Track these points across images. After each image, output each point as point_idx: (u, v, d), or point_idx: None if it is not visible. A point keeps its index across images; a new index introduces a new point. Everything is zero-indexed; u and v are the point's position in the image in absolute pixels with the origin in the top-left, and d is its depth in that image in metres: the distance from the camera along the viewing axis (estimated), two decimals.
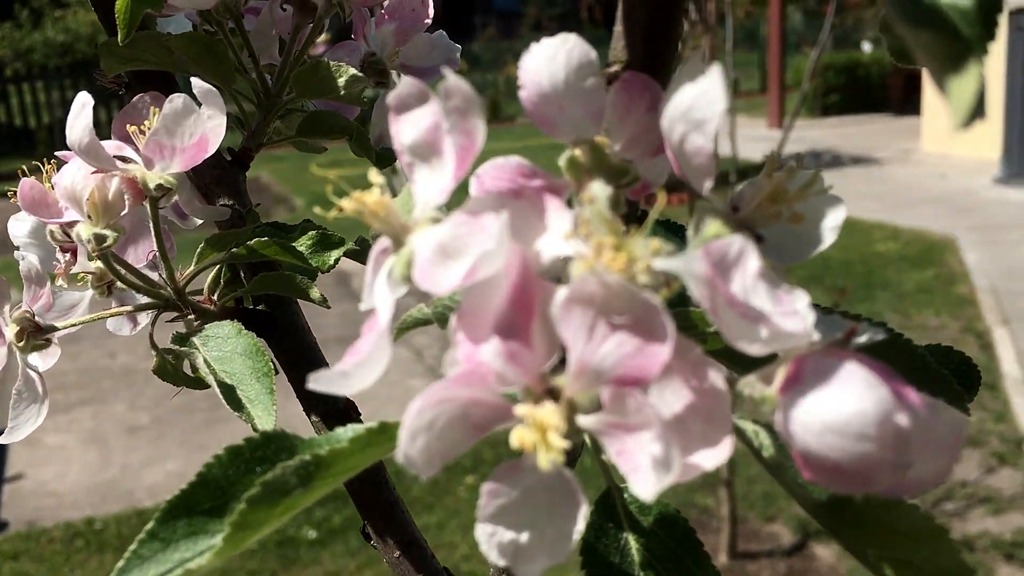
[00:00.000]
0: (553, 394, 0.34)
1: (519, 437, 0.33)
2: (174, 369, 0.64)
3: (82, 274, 0.66)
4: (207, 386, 0.66)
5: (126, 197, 0.56)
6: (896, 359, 0.46)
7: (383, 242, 0.40)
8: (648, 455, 0.31)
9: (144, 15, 0.66)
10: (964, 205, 7.35)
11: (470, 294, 0.35)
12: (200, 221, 0.68)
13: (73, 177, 0.55)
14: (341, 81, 0.61)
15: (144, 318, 0.70)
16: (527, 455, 0.35)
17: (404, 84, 0.39)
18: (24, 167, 0.60)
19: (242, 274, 0.65)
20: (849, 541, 0.38)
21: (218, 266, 0.64)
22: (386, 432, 0.41)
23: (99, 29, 0.67)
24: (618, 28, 0.43)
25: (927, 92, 9.73)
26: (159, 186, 0.56)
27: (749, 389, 0.35)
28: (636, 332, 0.32)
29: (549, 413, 0.33)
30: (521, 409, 0.33)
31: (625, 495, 0.46)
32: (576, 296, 0.32)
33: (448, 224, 0.36)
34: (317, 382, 0.36)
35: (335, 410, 0.65)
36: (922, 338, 4.66)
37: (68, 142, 0.53)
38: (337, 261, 0.61)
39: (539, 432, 0.33)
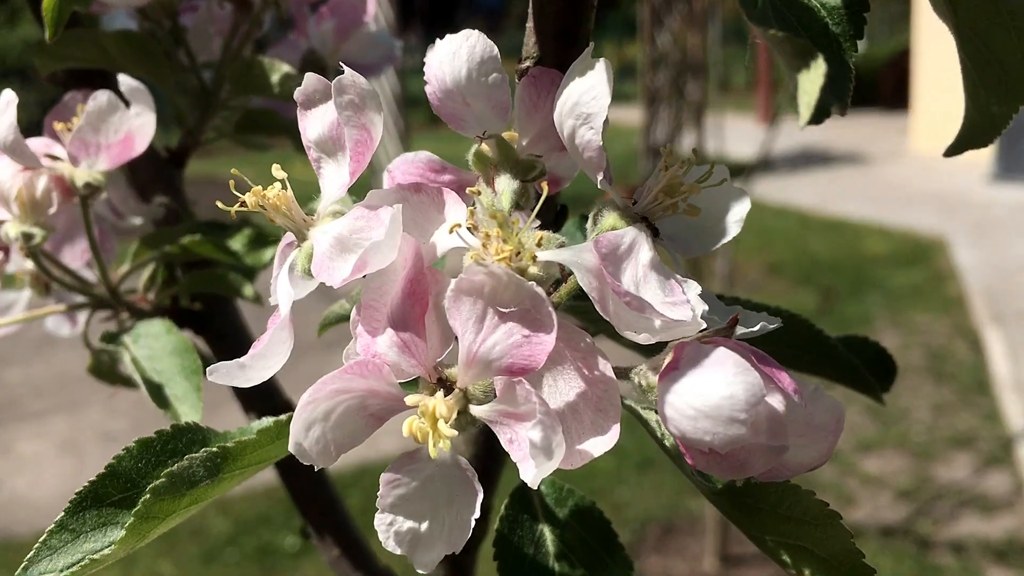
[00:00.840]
0: (447, 385, 0.35)
1: (409, 426, 0.33)
2: (109, 368, 0.64)
3: (19, 273, 0.66)
4: (136, 385, 0.66)
5: (54, 195, 0.56)
6: (806, 349, 0.46)
7: (288, 236, 0.40)
8: (529, 442, 0.32)
9: (85, 14, 0.66)
10: (955, 204, 7.38)
11: (368, 287, 0.35)
12: (140, 220, 0.68)
13: (0, 176, 0.55)
14: (275, 79, 0.61)
15: (81, 319, 0.70)
16: (422, 447, 0.35)
17: (308, 80, 0.39)
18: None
19: (178, 273, 0.66)
20: (747, 528, 0.39)
21: (154, 265, 0.64)
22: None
23: None
24: (529, 25, 0.44)
25: (917, 89, 9.80)
26: (87, 184, 0.56)
27: (639, 378, 0.35)
28: (523, 322, 0.33)
29: (439, 402, 0.33)
30: (412, 399, 0.34)
31: (543, 487, 0.46)
32: (464, 287, 0.33)
33: (347, 218, 0.37)
34: (214, 374, 0.37)
35: (272, 408, 0.65)
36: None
37: None
38: (271, 259, 0.61)
39: (430, 422, 0.33)
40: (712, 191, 0.40)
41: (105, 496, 0.40)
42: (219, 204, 0.40)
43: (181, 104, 0.67)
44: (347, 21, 0.70)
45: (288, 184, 0.38)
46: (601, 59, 0.35)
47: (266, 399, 0.66)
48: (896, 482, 3.39)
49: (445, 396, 0.34)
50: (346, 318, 0.50)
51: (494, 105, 0.40)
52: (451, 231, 0.34)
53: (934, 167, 8.83)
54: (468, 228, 0.34)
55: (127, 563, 3.17)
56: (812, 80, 0.27)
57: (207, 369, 0.36)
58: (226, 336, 0.66)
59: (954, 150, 0.42)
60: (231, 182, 0.39)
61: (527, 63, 0.44)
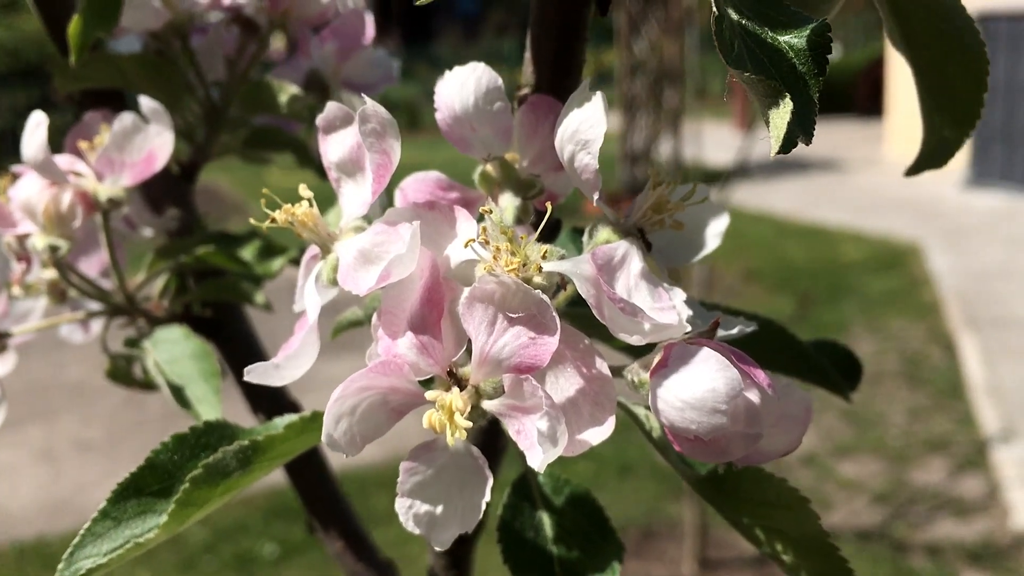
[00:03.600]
0: (461, 382, 0.39)
1: (429, 419, 0.38)
2: (125, 372, 0.67)
3: (36, 283, 0.70)
4: (157, 388, 0.70)
5: (78, 209, 0.60)
6: (780, 351, 0.51)
7: (312, 250, 0.44)
8: (537, 431, 0.36)
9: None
10: (929, 211, 7.47)
11: (388, 295, 0.39)
12: (151, 232, 0.72)
13: (28, 190, 0.59)
14: (283, 99, 0.65)
15: (96, 325, 0.74)
16: (437, 438, 0.39)
17: (330, 108, 0.44)
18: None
19: (190, 281, 0.69)
20: (726, 511, 0.43)
21: (167, 274, 0.68)
22: (317, 420, 0.45)
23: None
24: (527, 55, 0.48)
25: (892, 96, 9.94)
26: (110, 199, 0.60)
27: (631, 375, 0.40)
28: (529, 325, 0.37)
29: (455, 397, 0.37)
30: (431, 394, 0.38)
31: (539, 477, 0.51)
32: (477, 294, 0.37)
33: (368, 233, 0.41)
34: (252, 374, 0.41)
35: (279, 408, 0.69)
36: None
37: (23, 158, 0.57)
38: (281, 268, 0.65)
39: (447, 414, 0.37)
40: (694, 207, 0.45)
41: (145, 486, 0.44)
42: (252, 220, 0.44)
43: (192, 121, 0.71)
44: (348, 43, 0.74)
45: (314, 202, 0.42)
46: (598, 92, 0.39)
47: (273, 400, 0.69)
48: (872, 486, 3.45)
49: (459, 392, 0.38)
50: (357, 323, 0.54)
51: (498, 130, 0.45)
52: (465, 245, 0.38)
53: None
54: (480, 242, 0.39)
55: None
56: (781, 116, 0.31)
57: (245, 369, 0.40)
58: (235, 341, 0.69)
59: (913, 171, 0.47)
60: (262, 200, 0.43)
61: (525, 90, 0.49)
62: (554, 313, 0.36)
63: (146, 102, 0.59)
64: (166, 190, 0.69)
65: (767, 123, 0.32)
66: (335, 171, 0.44)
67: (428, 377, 0.39)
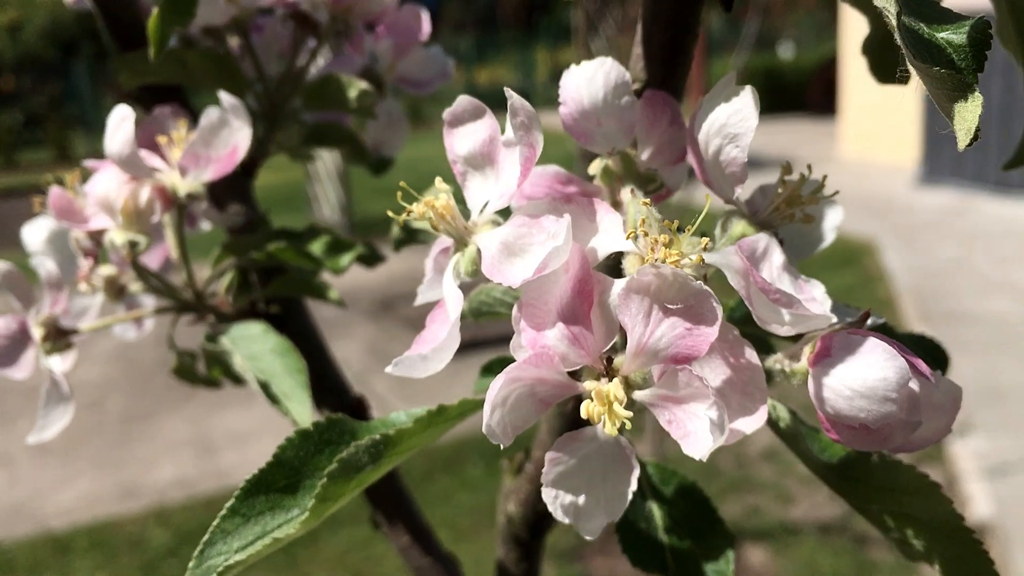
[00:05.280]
0: (610, 373, 0.40)
1: (587, 409, 0.38)
2: (191, 369, 0.67)
3: (94, 279, 0.69)
4: (219, 385, 0.69)
5: (157, 204, 0.59)
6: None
7: (444, 241, 0.44)
8: (705, 420, 0.36)
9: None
10: (883, 208, 7.61)
11: (531, 287, 0.40)
12: (208, 227, 0.71)
13: (107, 186, 0.58)
14: (352, 94, 0.65)
15: (148, 323, 0.73)
16: (587, 428, 0.40)
17: (460, 102, 0.44)
18: (52, 176, 0.63)
19: (254, 277, 0.69)
20: (855, 499, 0.44)
21: (233, 270, 0.67)
22: (443, 414, 0.45)
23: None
24: (636, 51, 0.49)
25: (845, 96, 10.09)
26: (189, 194, 0.59)
27: (779, 365, 0.40)
28: (687, 316, 0.37)
29: (615, 387, 0.38)
30: (589, 385, 0.38)
31: (648, 469, 0.51)
32: (634, 286, 0.37)
33: (510, 225, 0.41)
34: (399, 366, 0.41)
35: (343, 404, 0.69)
36: None
37: (108, 153, 0.56)
38: (350, 263, 0.65)
39: (605, 404, 0.38)
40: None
41: (273, 483, 0.44)
42: (389, 213, 0.44)
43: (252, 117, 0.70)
44: (404, 39, 0.74)
45: (451, 195, 0.42)
46: (748, 86, 0.40)
47: (340, 397, 0.69)
48: None
49: (617, 382, 0.39)
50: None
51: (622, 125, 0.45)
52: (628, 236, 0.39)
53: (862, 172, 9.11)
54: (634, 235, 0.39)
55: None
56: (969, 110, 0.32)
57: (394, 361, 0.40)
58: (301, 336, 0.69)
59: (1013, 163, 0.48)
60: (398, 193, 0.43)
61: (636, 85, 0.49)
62: (715, 303, 0.37)
63: (226, 98, 0.59)
64: (228, 186, 0.68)
65: (950, 117, 0.33)
66: (462, 164, 0.44)
67: (576, 368, 0.40)
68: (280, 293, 0.66)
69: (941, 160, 8.38)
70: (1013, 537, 3.00)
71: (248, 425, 4.20)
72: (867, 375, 0.36)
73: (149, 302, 0.72)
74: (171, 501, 3.58)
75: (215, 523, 0.43)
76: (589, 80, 0.44)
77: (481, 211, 0.43)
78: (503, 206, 0.42)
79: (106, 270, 0.66)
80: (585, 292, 0.39)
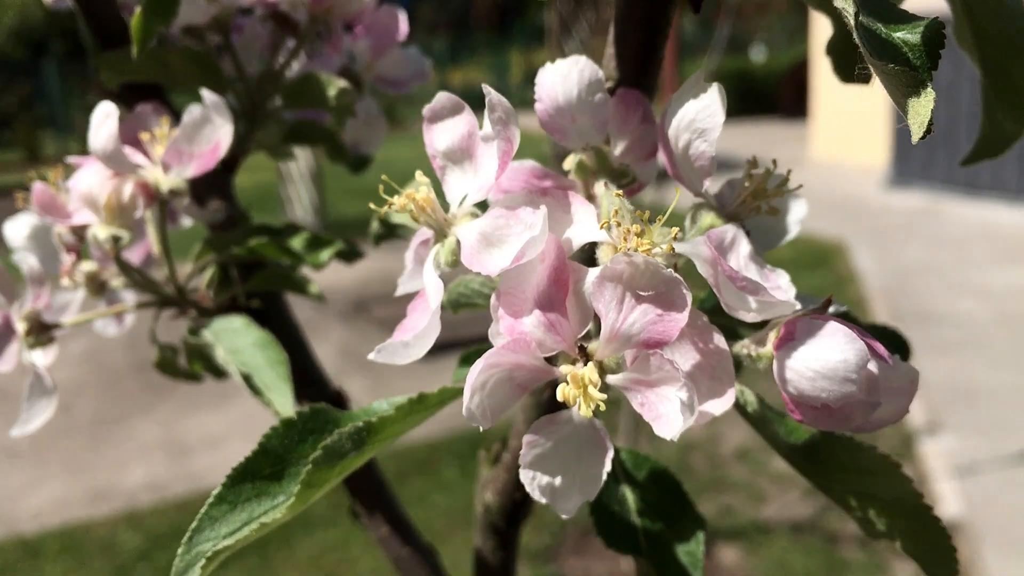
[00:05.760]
0: (584, 358, 0.41)
1: (563, 392, 0.40)
2: (172, 363, 0.68)
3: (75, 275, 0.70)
4: (200, 379, 0.70)
5: (139, 200, 0.60)
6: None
7: (424, 233, 0.46)
8: (676, 401, 0.38)
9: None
10: (853, 210, 7.69)
11: (509, 276, 0.41)
12: (189, 223, 0.72)
13: (90, 181, 0.59)
14: (332, 92, 0.66)
15: (129, 318, 0.74)
16: (563, 411, 0.41)
17: (439, 98, 0.45)
18: (35, 172, 0.63)
19: (234, 273, 0.70)
20: (819, 480, 0.46)
21: (214, 265, 0.68)
22: (423, 402, 0.47)
23: None
24: (609, 50, 0.50)
25: (816, 99, 10.20)
26: (171, 190, 0.60)
27: (746, 350, 0.42)
28: (659, 303, 0.39)
29: (590, 371, 0.40)
30: (565, 368, 0.40)
31: (622, 454, 0.53)
32: (608, 274, 0.39)
33: (488, 217, 0.43)
34: (381, 353, 0.42)
35: (324, 396, 0.70)
36: None
37: (92, 148, 0.57)
38: (330, 259, 0.66)
39: (580, 387, 0.40)
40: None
41: (258, 471, 0.45)
42: (371, 205, 0.46)
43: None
44: (382, 40, 0.75)
45: (431, 188, 0.44)
46: (715, 83, 0.42)
47: (320, 389, 0.71)
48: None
49: (591, 366, 0.40)
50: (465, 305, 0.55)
51: (596, 121, 0.47)
52: (602, 227, 0.41)
53: (833, 174, 9.20)
54: (606, 225, 0.41)
55: None
56: (922, 104, 0.34)
57: (377, 347, 0.42)
58: (280, 330, 0.70)
59: (971, 159, 0.50)
60: (380, 187, 0.45)
61: (609, 84, 0.51)
62: (683, 290, 0.39)
63: (208, 95, 0.60)
64: (209, 183, 0.69)
65: (905, 112, 0.34)
66: (441, 159, 0.46)
67: (552, 354, 0.41)
68: (261, 288, 0.67)
69: (911, 162, 8.49)
70: (983, 536, 3.05)
71: (221, 428, 4.19)
72: (828, 357, 0.37)
73: (129, 297, 0.73)
74: (142, 504, 3.56)
75: (202, 510, 0.45)
76: (564, 77, 0.46)
77: (460, 204, 0.45)
78: (481, 199, 0.44)
79: (87, 266, 0.67)
80: (561, 280, 0.41)
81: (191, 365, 0.69)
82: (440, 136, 0.45)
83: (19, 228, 0.68)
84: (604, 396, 0.39)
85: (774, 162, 0.46)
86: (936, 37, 0.37)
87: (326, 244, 0.67)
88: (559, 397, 0.40)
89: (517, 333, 0.41)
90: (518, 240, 0.41)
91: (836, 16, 0.53)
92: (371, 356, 0.43)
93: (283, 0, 0.72)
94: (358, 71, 0.76)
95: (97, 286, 0.69)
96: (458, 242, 0.43)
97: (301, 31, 0.72)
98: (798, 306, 0.41)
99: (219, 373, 0.69)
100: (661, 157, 0.47)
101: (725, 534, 3.24)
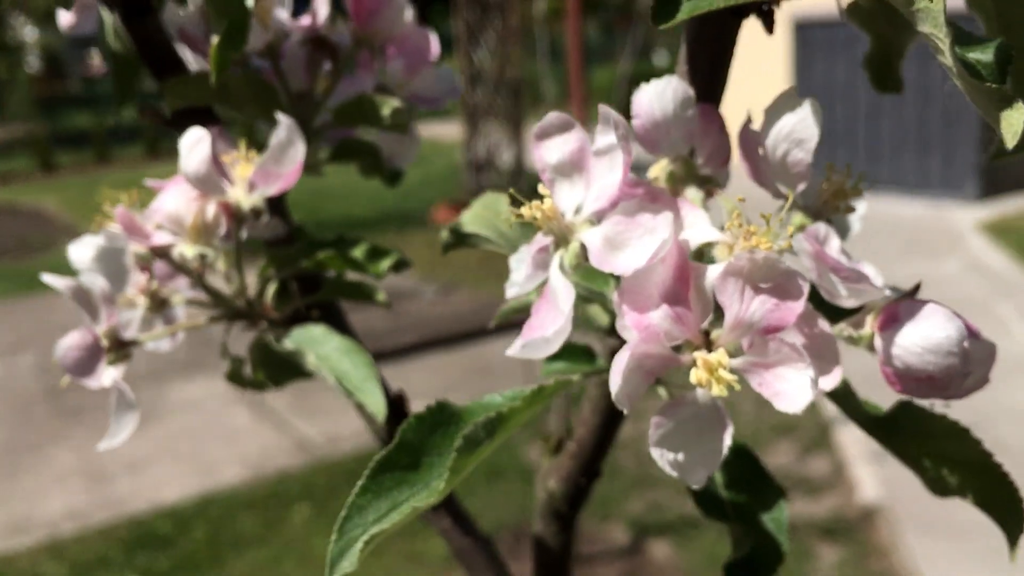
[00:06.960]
0: (708, 345, 0.46)
1: (696, 376, 0.45)
2: (240, 374, 0.71)
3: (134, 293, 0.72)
4: (267, 388, 0.73)
5: (222, 219, 0.63)
6: None
7: (541, 240, 0.50)
8: (796, 379, 0.43)
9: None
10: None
11: (632, 275, 0.46)
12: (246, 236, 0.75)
13: (176, 203, 0.62)
14: (385, 112, 0.70)
15: (180, 335, 0.76)
16: (686, 394, 0.46)
17: (549, 117, 0.50)
18: (112, 195, 0.66)
19: (293, 285, 0.73)
20: (897, 446, 0.52)
21: (275, 278, 0.71)
22: (542, 393, 0.51)
23: None
24: (682, 68, 0.56)
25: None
26: (252, 209, 0.63)
27: (845, 332, 0.48)
28: (777, 293, 0.44)
29: (720, 355, 0.45)
30: (697, 354, 0.45)
31: None
32: (731, 269, 0.44)
33: (609, 223, 0.47)
34: (526, 348, 0.47)
35: (388, 398, 0.74)
36: None
37: (183, 172, 0.60)
38: (388, 269, 0.70)
39: (709, 371, 0.45)
40: None
41: (397, 462, 0.49)
42: (464, 214, 0.50)
43: None
44: (415, 60, 0.79)
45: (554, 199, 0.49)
46: (808, 98, 0.47)
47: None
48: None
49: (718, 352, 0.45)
50: (519, 311, 0.60)
51: (686, 134, 0.52)
52: (724, 228, 0.46)
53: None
54: (726, 226, 0.46)
55: None
56: (1016, 117, 0.40)
57: (523, 343, 0.46)
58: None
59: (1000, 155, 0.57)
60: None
61: None
62: (800, 281, 0.44)
63: (283, 118, 0.63)
64: (269, 200, 0.72)
65: (997, 124, 0.40)
66: (550, 172, 0.50)
67: (678, 343, 0.46)
68: (331, 297, 0.71)
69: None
70: (902, 519, 3.18)
71: (142, 451, 4.10)
72: (933, 334, 0.43)
73: (181, 314, 0.75)
74: (64, 533, 3.47)
75: (350, 500, 0.48)
76: (660, 95, 0.51)
77: (575, 212, 0.49)
78: (602, 207, 0.48)
79: (154, 284, 0.69)
80: (684, 277, 0.46)
81: (255, 375, 0.72)
82: (550, 151, 0.50)
83: (84, 250, 0.70)
84: (735, 377, 0.44)
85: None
86: (1006, 57, 0.43)
87: (385, 255, 0.71)
88: (692, 380, 0.45)
89: (646, 326, 0.46)
90: (640, 243, 0.46)
91: (877, 35, 0.59)
92: (511, 352, 0.47)
93: (323, 24, 0.76)
94: (392, 89, 0.80)
95: (158, 303, 0.72)
96: (582, 247, 0.48)
97: (342, 53, 0.75)
98: (888, 292, 0.47)
99: (279, 382, 0.72)
100: (742, 162, 0.53)
101: (655, 530, 3.32)
